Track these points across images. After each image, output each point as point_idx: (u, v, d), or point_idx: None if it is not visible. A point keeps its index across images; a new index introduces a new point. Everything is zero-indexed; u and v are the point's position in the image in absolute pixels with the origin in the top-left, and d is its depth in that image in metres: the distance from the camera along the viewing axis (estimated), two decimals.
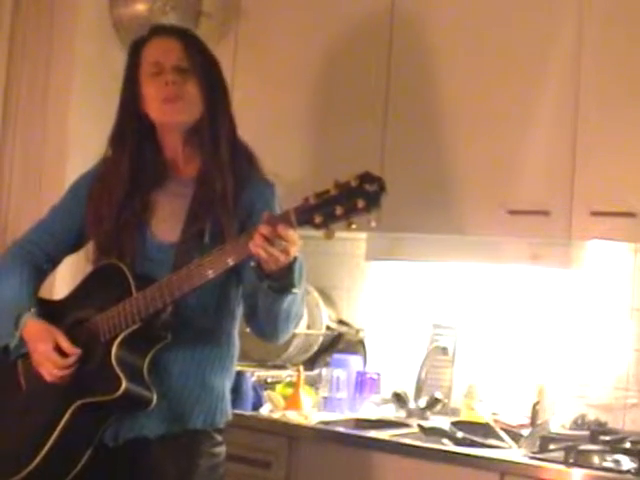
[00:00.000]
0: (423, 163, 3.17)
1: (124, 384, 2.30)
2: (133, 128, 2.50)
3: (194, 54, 2.47)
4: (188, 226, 2.43)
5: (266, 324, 2.42)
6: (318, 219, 2.11)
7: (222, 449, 2.49)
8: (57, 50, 3.66)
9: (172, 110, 2.45)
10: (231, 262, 2.24)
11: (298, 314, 2.43)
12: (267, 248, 2.17)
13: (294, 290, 2.30)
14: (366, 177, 2.10)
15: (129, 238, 2.45)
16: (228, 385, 2.52)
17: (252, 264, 2.26)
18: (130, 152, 2.49)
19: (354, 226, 2.11)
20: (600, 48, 2.87)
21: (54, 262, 2.63)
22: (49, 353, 2.38)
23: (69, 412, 2.35)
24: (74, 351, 2.38)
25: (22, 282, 2.51)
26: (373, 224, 2.10)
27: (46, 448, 2.35)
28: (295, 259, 2.24)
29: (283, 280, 2.26)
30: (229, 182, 2.43)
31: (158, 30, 2.55)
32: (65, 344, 2.39)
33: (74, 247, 2.62)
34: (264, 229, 2.17)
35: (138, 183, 2.49)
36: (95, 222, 2.50)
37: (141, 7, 3.53)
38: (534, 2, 3.02)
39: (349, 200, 2.09)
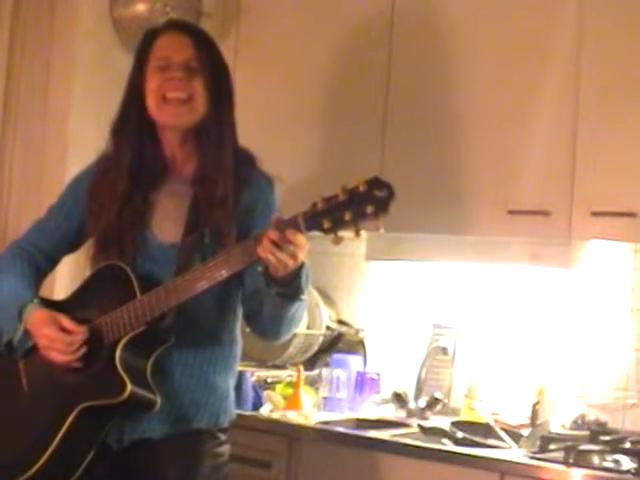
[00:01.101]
0: (423, 163, 3.17)
1: (129, 387, 2.28)
2: (136, 120, 2.47)
3: (205, 54, 2.45)
4: (189, 227, 2.42)
5: (269, 327, 2.42)
6: (327, 224, 2.10)
7: (226, 448, 2.49)
8: (57, 50, 3.65)
9: (175, 112, 2.43)
10: (239, 266, 2.23)
11: (300, 318, 2.43)
12: (276, 253, 2.16)
13: (302, 297, 2.29)
14: (375, 183, 2.09)
15: (130, 236, 2.44)
16: (232, 384, 2.52)
17: (260, 269, 2.25)
18: (131, 146, 2.47)
19: (363, 232, 2.11)
20: (600, 48, 2.87)
21: (53, 262, 2.62)
22: (54, 333, 2.35)
23: (73, 415, 2.33)
24: (79, 329, 2.36)
25: (24, 278, 2.49)
26: (382, 230, 2.10)
27: (49, 451, 2.34)
28: (302, 264, 2.24)
29: (291, 286, 2.25)
30: (230, 186, 2.42)
31: (173, 24, 2.54)
32: (69, 324, 2.36)
33: (73, 246, 2.60)
34: (273, 234, 2.16)
35: (139, 179, 2.47)
36: (96, 217, 2.49)
37: (141, 7, 3.53)
38: (534, 2, 3.02)
39: (358, 206, 2.08)
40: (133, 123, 2.47)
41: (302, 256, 2.20)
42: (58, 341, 2.35)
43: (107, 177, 2.49)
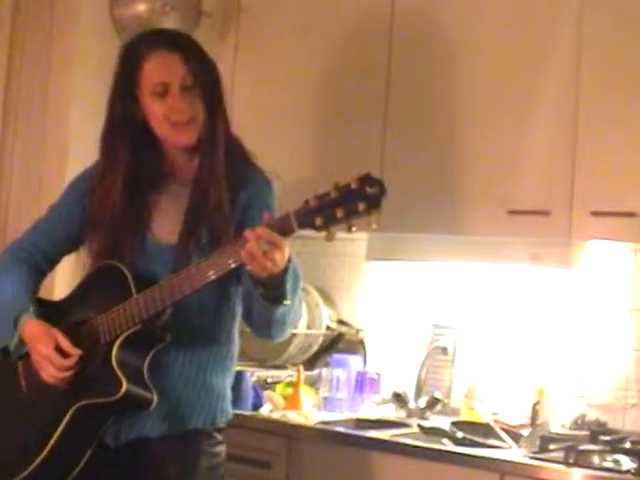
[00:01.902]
0: (423, 163, 3.17)
1: (124, 386, 2.29)
2: (129, 135, 2.45)
3: (195, 64, 2.43)
4: (186, 228, 2.42)
5: (260, 327, 2.42)
6: (319, 221, 2.10)
7: (222, 448, 2.50)
8: (57, 50, 3.66)
9: (184, 132, 2.43)
10: (232, 264, 2.23)
11: (294, 320, 2.43)
12: (254, 253, 2.15)
13: (285, 302, 2.28)
14: (366, 179, 2.09)
15: (128, 241, 2.44)
16: (228, 384, 2.52)
17: (249, 268, 2.25)
18: (128, 155, 2.46)
19: (354, 229, 2.10)
20: (600, 48, 2.87)
21: (53, 262, 2.62)
22: (50, 354, 2.36)
23: (70, 413, 2.35)
24: (75, 352, 2.37)
25: (22, 282, 2.49)
26: (374, 226, 2.10)
27: (47, 449, 2.35)
28: (287, 270, 2.23)
29: (276, 290, 2.25)
30: (224, 189, 2.42)
31: (157, 42, 2.47)
32: (65, 344, 2.37)
33: (72, 246, 2.60)
34: (250, 233, 2.15)
35: (137, 185, 2.47)
36: (94, 223, 2.49)
37: (141, 7, 3.53)
38: (534, 2, 3.02)
39: (350, 203, 2.08)
40: (126, 137, 2.45)
41: (281, 259, 2.18)
42: (51, 363, 2.36)
43: (105, 183, 2.48)
